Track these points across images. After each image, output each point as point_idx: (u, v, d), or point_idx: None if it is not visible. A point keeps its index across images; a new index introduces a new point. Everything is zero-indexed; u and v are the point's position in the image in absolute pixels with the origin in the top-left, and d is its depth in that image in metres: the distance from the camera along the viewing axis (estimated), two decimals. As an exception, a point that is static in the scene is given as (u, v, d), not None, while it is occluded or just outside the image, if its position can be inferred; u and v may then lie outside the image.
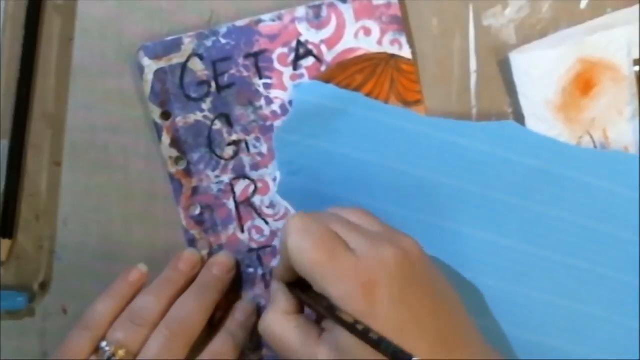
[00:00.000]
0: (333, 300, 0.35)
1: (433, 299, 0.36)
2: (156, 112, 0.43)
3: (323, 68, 0.43)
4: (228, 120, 0.43)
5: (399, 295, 0.35)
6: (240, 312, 0.43)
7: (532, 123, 0.42)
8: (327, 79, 0.43)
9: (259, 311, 0.44)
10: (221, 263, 0.43)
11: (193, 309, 0.40)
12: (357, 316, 0.34)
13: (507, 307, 0.42)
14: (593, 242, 0.42)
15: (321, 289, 0.35)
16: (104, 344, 0.39)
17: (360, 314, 0.34)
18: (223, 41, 0.43)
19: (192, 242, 0.44)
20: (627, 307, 0.42)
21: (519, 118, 0.43)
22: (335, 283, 0.35)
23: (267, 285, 0.44)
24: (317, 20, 0.43)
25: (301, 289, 0.38)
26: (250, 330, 0.43)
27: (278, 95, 0.43)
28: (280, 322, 0.38)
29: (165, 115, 0.43)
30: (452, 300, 0.37)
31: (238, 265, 0.44)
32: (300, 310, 0.39)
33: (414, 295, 0.35)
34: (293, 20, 0.43)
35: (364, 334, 0.33)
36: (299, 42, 0.43)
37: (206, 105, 0.43)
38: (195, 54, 0.43)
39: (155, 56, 0.43)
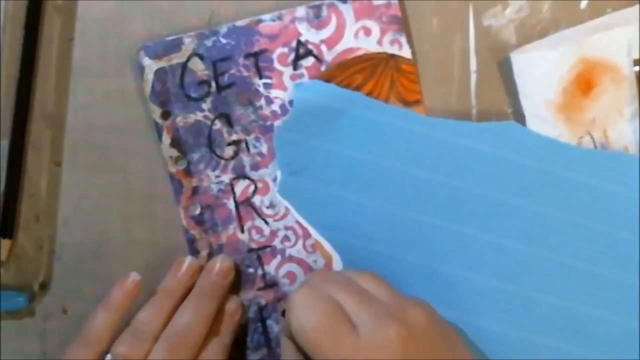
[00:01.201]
0: None
1: None
2: (156, 112, 0.43)
3: (323, 68, 0.43)
4: (228, 120, 0.43)
5: None
6: (226, 313, 0.43)
7: (532, 123, 0.42)
8: (327, 78, 0.43)
9: (243, 309, 0.44)
10: (219, 268, 0.43)
11: (192, 320, 0.41)
12: None
13: (507, 307, 0.42)
14: (593, 242, 0.42)
15: None
16: (108, 356, 0.40)
17: None
18: (223, 41, 0.43)
19: (192, 242, 0.44)
20: (627, 307, 0.42)
21: (519, 118, 0.42)
22: None
23: (266, 285, 0.44)
24: (317, 20, 0.43)
25: None
26: (237, 327, 0.43)
27: (278, 95, 0.43)
28: None
29: (166, 115, 0.43)
30: (459, 357, 0.38)
31: (237, 266, 0.44)
32: None
33: None
34: (293, 20, 0.43)
35: None
36: (299, 42, 0.43)
37: (206, 105, 0.43)
38: (195, 53, 0.43)
39: (155, 56, 0.43)
